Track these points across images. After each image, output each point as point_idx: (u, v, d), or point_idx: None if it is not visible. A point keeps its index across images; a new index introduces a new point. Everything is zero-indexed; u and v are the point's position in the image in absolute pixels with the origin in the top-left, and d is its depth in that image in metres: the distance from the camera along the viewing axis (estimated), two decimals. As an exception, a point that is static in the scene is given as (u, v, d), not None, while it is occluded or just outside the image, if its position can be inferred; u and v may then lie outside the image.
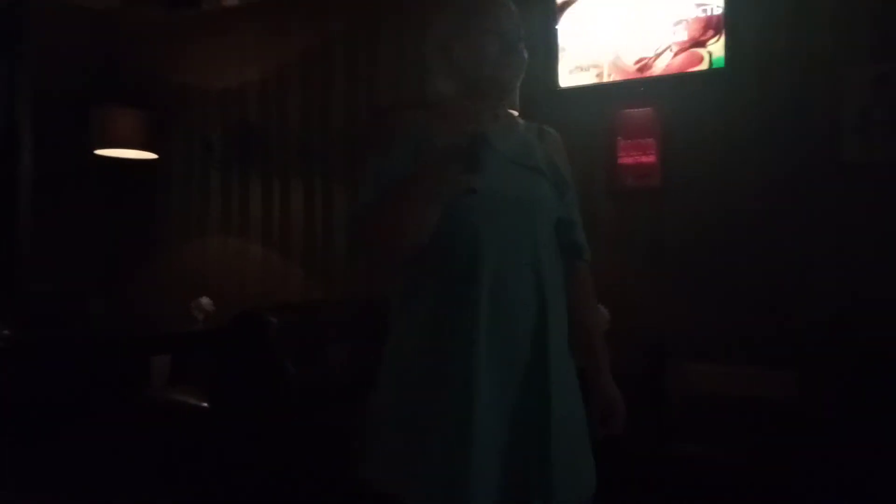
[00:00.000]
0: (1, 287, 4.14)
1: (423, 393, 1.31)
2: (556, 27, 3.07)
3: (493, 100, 1.37)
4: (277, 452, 2.59)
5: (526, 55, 1.41)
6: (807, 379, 2.44)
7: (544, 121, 1.57)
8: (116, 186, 4.46)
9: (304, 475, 2.54)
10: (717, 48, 2.79)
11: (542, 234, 1.39)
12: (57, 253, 4.22)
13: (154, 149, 4.02)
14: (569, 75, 3.07)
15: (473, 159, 1.21)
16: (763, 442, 2.13)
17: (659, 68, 2.90)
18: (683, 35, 2.85)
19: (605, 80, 3.01)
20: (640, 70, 2.95)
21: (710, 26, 2.80)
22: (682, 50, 2.86)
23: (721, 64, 2.79)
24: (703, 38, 2.82)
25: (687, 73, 2.86)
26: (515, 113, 1.62)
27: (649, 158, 2.98)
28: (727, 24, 2.77)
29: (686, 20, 2.85)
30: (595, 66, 3.03)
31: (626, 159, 3.00)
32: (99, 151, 3.86)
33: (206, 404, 2.86)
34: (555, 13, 3.08)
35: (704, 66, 2.82)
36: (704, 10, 2.81)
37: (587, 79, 3.04)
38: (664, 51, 2.89)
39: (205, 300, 3.79)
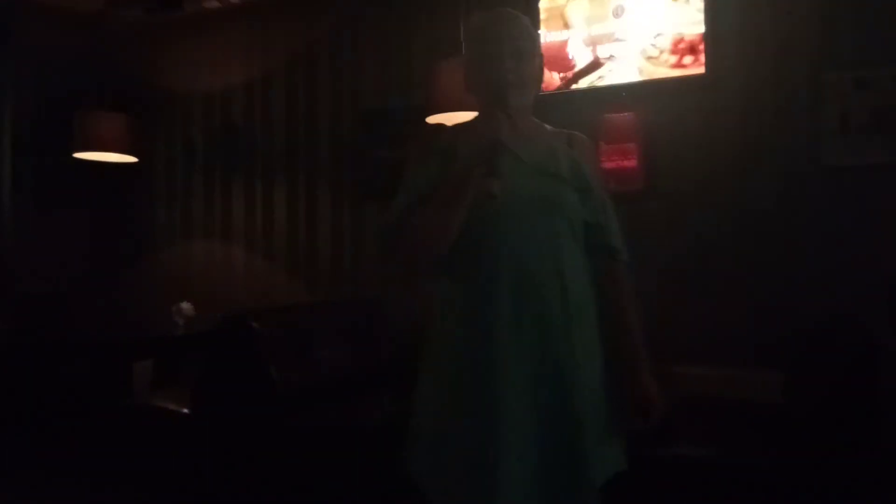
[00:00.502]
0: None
1: (453, 389, 1.43)
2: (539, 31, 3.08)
3: (510, 109, 1.44)
4: (262, 456, 2.57)
5: (541, 66, 1.54)
6: (793, 381, 2.45)
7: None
8: (98, 190, 4.42)
9: (290, 478, 2.52)
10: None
11: (564, 236, 1.46)
12: (38, 257, 4.16)
13: (136, 152, 3.98)
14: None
15: (491, 165, 1.31)
16: (750, 443, 2.14)
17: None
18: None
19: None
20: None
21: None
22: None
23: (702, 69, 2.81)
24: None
25: (669, 78, 2.89)
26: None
27: (631, 163, 3.00)
28: (708, 29, 2.80)
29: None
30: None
31: (608, 164, 3.02)
32: (80, 155, 3.81)
33: (187, 410, 2.83)
34: (537, 19, 3.09)
35: (686, 71, 2.85)
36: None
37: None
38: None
39: (185, 305, 3.75)
